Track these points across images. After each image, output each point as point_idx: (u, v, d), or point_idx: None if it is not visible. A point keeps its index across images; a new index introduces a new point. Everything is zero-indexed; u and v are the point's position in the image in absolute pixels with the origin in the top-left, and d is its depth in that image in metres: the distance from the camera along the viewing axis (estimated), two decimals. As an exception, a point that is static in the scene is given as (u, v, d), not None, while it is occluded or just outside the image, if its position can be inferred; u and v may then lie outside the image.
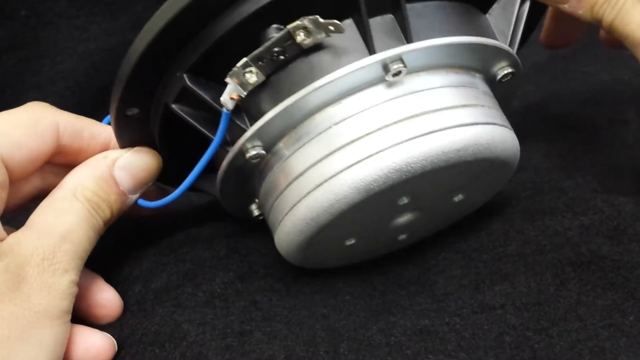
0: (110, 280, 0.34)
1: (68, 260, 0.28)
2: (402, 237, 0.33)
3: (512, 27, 0.30)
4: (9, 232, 0.29)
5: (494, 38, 0.30)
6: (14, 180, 0.31)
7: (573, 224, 0.33)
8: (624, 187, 0.36)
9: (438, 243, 0.34)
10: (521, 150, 0.31)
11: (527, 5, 0.31)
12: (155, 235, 0.37)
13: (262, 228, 0.32)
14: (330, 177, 0.26)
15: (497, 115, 0.29)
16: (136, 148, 0.32)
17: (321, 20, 0.25)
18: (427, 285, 0.32)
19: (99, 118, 0.35)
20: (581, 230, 0.33)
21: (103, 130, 0.33)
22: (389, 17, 0.27)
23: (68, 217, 0.29)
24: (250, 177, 0.30)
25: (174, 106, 0.29)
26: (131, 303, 0.34)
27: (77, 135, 0.32)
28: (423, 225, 0.33)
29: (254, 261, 0.34)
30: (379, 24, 0.27)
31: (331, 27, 0.26)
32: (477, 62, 0.29)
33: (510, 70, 0.29)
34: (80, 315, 0.33)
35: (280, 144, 0.28)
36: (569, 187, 0.36)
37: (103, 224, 0.31)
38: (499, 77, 0.29)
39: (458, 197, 0.31)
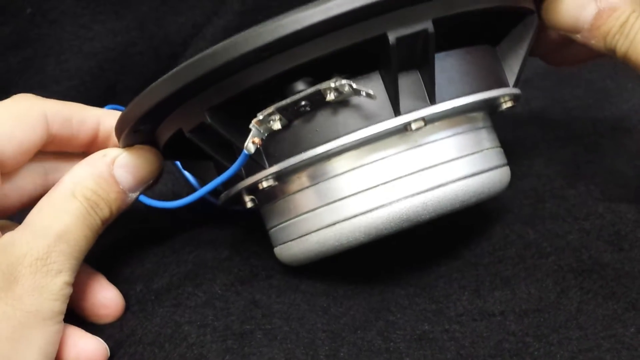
0: (112, 280, 0.34)
1: (63, 261, 0.28)
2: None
3: (520, 64, 0.31)
4: (10, 229, 0.29)
5: (503, 76, 0.31)
6: (7, 171, 0.31)
7: (573, 229, 0.33)
8: (627, 195, 0.36)
9: (437, 246, 0.34)
10: (523, 157, 0.31)
11: (533, 37, 0.32)
12: (157, 236, 0.37)
13: (263, 229, 0.33)
14: (344, 220, 0.28)
15: (495, 155, 0.31)
16: (136, 146, 0.32)
17: (354, 85, 0.26)
18: (427, 287, 0.32)
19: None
20: (582, 234, 0.33)
21: (91, 115, 0.33)
22: (415, 72, 0.28)
23: (65, 216, 0.29)
24: (254, 191, 0.31)
25: (188, 134, 0.29)
26: (132, 303, 0.34)
27: (66, 123, 0.32)
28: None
29: (255, 264, 0.34)
30: (404, 78, 0.28)
31: (363, 93, 0.26)
32: (485, 106, 0.30)
33: (512, 104, 0.31)
34: (82, 314, 0.33)
35: (294, 177, 0.29)
36: (570, 194, 0.36)
37: (101, 223, 0.30)
38: (500, 109, 0.31)
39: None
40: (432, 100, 0.28)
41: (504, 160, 0.32)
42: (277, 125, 0.27)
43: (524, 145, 0.30)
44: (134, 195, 0.32)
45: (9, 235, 0.29)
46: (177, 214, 0.35)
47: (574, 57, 0.35)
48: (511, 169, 0.32)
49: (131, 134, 0.30)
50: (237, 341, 0.29)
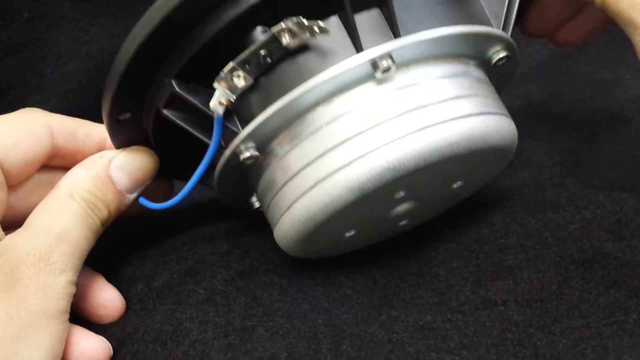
0: (113, 279, 0.34)
1: (65, 260, 0.29)
2: (403, 222, 0.33)
3: (505, 8, 0.29)
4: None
5: (487, 22, 0.29)
6: (13, 183, 0.31)
7: (575, 218, 0.33)
8: (627, 183, 0.36)
9: (438, 235, 0.34)
10: (523, 149, 0.31)
11: None
12: (157, 235, 0.37)
13: (263, 223, 0.32)
14: (324, 178, 0.26)
15: (492, 103, 0.28)
16: (131, 147, 0.32)
17: (305, 21, 0.25)
18: (428, 277, 0.32)
19: (102, 120, 0.35)
20: (583, 223, 0.33)
21: (98, 130, 0.34)
22: (376, 11, 0.27)
23: (64, 217, 0.29)
24: (246, 174, 0.30)
25: (165, 111, 0.29)
26: (133, 302, 0.34)
27: (71, 136, 0.32)
28: (424, 211, 0.33)
29: (255, 257, 0.34)
30: (365, 19, 0.27)
31: (316, 29, 0.26)
32: (469, 50, 0.28)
33: (504, 54, 0.29)
34: (82, 315, 0.33)
35: (274, 144, 0.28)
36: (570, 183, 0.36)
37: (100, 224, 0.31)
38: (493, 61, 0.29)
39: (457, 184, 0.31)
40: (397, 35, 0.26)
41: (505, 110, 0.29)
42: (241, 83, 0.26)
43: (523, 138, 0.30)
44: (131, 196, 0.32)
45: (10, 237, 0.29)
46: (176, 211, 0.35)
47: (578, 32, 0.35)
48: (511, 160, 0.32)
49: (116, 127, 0.30)
50: (239, 337, 0.29)
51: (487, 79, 0.29)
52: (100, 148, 0.33)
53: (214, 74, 0.27)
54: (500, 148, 0.28)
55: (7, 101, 0.48)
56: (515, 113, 0.32)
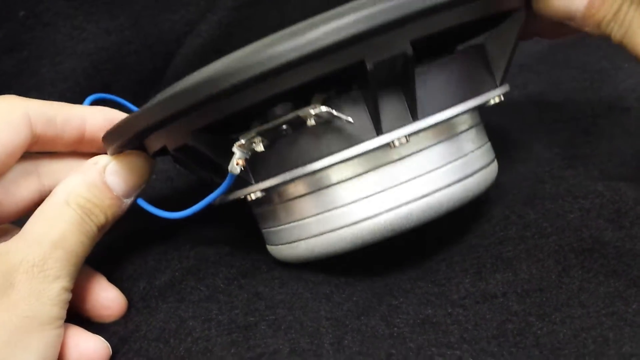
0: (115, 278, 0.35)
1: (59, 267, 0.29)
2: None
3: (507, 61, 0.31)
4: (13, 232, 0.29)
5: (490, 79, 0.31)
6: None
7: (573, 208, 0.33)
8: (625, 173, 0.36)
9: (437, 229, 0.34)
10: (521, 141, 0.31)
11: (520, 31, 0.31)
12: (158, 234, 0.38)
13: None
14: (331, 231, 0.29)
15: (480, 155, 0.31)
16: (126, 152, 0.32)
17: (334, 112, 0.26)
18: (428, 270, 0.32)
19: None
20: (582, 213, 0.33)
21: (76, 113, 0.33)
22: (396, 88, 0.28)
23: (60, 224, 0.29)
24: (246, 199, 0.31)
25: (173, 152, 0.30)
26: (136, 300, 0.34)
27: (50, 122, 0.32)
28: None
29: (257, 258, 0.35)
30: (386, 96, 0.28)
31: (342, 117, 0.26)
32: (472, 110, 0.30)
33: (499, 99, 0.31)
34: (84, 315, 0.33)
35: (282, 189, 0.30)
36: (569, 175, 0.36)
37: (97, 230, 0.31)
38: (488, 105, 0.31)
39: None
40: (415, 117, 0.28)
41: (491, 157, 0.32)
42: (259, 147, 0.27)
43: (521, 129, 0.30)
44: (128, 201, 0.32)
45: (3, 244, 0.29)
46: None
47: (571, 31, 0.35)
48: (509, 152, 0.32)
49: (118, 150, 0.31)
50: (242, 334, 0.29)
51: (479, 119, 0.32)
52: (80, 132, 0.33)
53: (228, 129, 0.28)
54: (483, 193, 0.31)
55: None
56: (514, 103, 0.32)
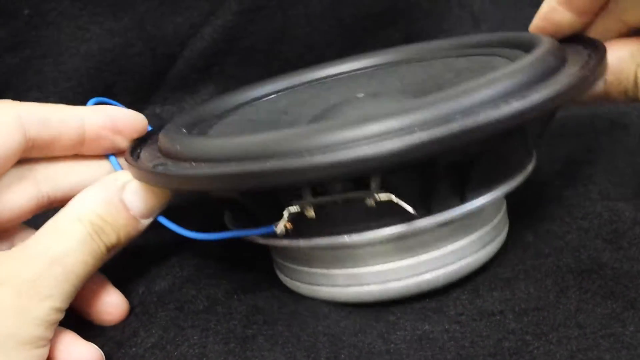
0: (114, 281, 0.34)
1: (53, 286, 0.27)
2: None
3: (543, 133, 0.32)
4: (27, 234, 0.29)
5: (527, 157, 0.32)
6: None
7: (572, 228, 0.33)
8: (624, 193, 0.36)
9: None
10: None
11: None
12: (159, 240, 0.38)
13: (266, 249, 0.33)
14: (358, 285, 0.30)
15: (502, 218, 0.32)
16: None
17: (394, 198, 0.26)
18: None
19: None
20: (580, 233, 0.33)
21: (73, 114, 0.31)
22: (452, 172, 0.28)
23: (65, 239, 0.28)
24: None
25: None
26: (134, 304, 0.34)
27: (45, 124, 0.30)
28: None
29: (258, 272, 0.35)
30: (441, 180, 0.28)
31: (404, 206, 0.26)
32: None
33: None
34: (85, 318, 0.33)
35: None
36: (569, 195, 0.36)
37: (106, 250, 0.29)
38: None
39: None
40: (463, 199, 0.28)
41: (507, 220, 0.33)
42: (311, 214, 0.27)
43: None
44: (146, 222, 0.30)
45: (1, 253, 0.28)
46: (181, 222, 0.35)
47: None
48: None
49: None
50: (239, 345, 0.29)
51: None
52: (79, 133, 0.31)
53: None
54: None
55: (6, 99, 0.48)
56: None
